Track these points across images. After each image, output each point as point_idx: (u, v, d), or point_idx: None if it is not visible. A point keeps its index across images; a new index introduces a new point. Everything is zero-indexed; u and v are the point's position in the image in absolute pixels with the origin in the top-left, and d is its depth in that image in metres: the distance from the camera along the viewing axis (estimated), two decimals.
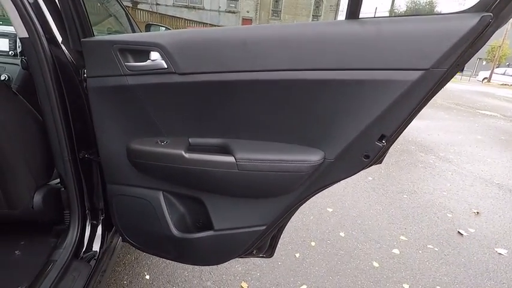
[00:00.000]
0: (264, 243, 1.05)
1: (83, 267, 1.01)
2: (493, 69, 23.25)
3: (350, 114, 0.74)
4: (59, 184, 1.08)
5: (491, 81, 22.47)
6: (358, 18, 0.69)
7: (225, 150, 0.86)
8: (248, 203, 0.90)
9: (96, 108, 0.88)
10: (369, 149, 0.77)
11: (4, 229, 1.12)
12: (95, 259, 1.05)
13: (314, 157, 0.79)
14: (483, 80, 23.12)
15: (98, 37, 0.89)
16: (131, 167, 0.93)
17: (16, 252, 1.11)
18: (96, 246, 1.09)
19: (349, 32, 0.69)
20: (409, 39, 0.66)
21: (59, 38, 0.90)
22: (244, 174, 0.81)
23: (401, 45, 0.66)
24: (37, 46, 0.85)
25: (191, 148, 0.88)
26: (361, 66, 0.69)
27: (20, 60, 1.55)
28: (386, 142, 0.75)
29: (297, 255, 1.78)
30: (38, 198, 1.05)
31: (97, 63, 0.84)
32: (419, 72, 0.65)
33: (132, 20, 2.32)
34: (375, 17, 0.71)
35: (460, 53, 0.63)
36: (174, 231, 0.95)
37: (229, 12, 19.06)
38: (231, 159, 0.81)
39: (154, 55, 0.78)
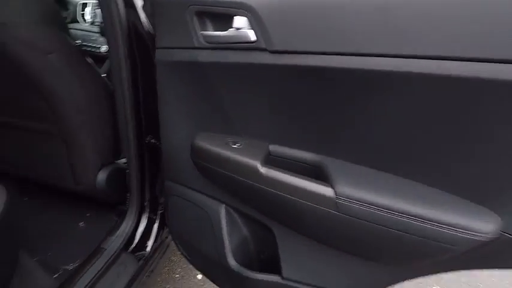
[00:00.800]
0: None
1: (130, 262, 0.90)
2: None
3: None
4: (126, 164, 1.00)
5: None
6: None
7: (319, 172, 0.57)
8: (339, 258, 0.60)
9: (162, 88, 0.70)
10: None
11: (76, 198, 1.11)
12: (144, 257, 0.94)
13: (482, 225, 0.44)
14: None
15: None
16: (193, 167, 0.74)
17: (80, 224, 1.10)
18: (148, 242, 0.98)
19: None
20: None
21: (139, 2, 0.76)
22: (346, 220, 0.51)
23: None
24: (111, 7, 0.72)
25: (271, 159, 0.62)
26: None
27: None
28: None
29: None
30: (101, 177, 0.98)
31: (167, 30, 0.64)
32: None
33: None
34: None
35: None
36: (231, 261, 0.72)
37: None
38: (328, 191, 0.52)
39: (240, 21, 0.53)
